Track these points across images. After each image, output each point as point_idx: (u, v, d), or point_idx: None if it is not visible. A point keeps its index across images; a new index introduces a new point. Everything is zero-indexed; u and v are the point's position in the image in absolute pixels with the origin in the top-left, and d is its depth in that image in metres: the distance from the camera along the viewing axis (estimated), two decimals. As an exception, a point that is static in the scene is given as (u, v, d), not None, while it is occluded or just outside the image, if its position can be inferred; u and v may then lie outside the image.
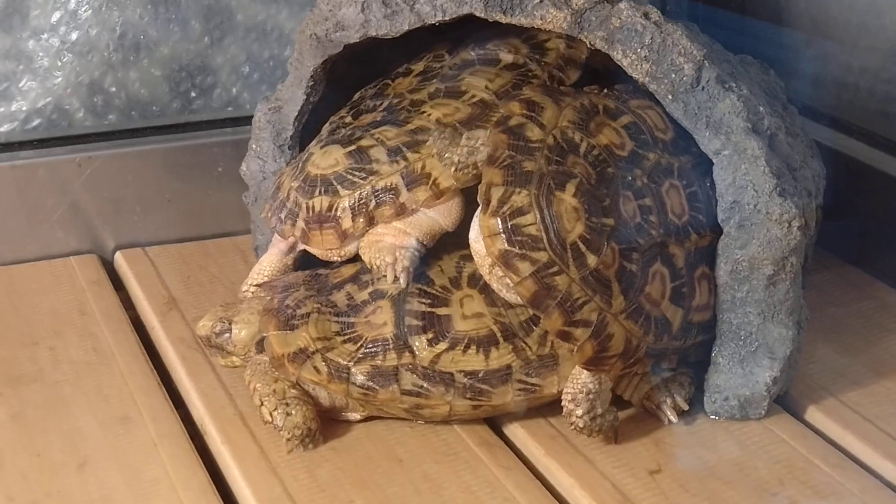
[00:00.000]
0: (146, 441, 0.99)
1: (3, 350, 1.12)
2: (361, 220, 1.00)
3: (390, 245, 0.98)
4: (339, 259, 1.03)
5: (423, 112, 1.02)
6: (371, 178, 1.00)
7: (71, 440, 0.99)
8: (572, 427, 0.97)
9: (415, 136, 1.00)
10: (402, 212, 0.99)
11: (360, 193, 1.00)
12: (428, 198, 0.98)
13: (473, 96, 1.02)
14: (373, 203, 0.99)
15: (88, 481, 0.94)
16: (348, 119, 1.06)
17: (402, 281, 0.98)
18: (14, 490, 0.93)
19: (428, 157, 0.99)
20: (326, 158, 1.02)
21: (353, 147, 1.01)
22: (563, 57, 1.07)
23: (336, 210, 1.00)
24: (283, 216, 1.04)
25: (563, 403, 0.97)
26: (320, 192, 1.01)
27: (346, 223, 1.00)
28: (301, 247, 1.06)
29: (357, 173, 1.00)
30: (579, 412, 0.96)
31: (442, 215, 0.99)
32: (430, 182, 0.98)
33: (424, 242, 0.99)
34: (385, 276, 0.98)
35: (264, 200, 1.10)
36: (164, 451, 0.98)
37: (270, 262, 1.07)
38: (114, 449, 0.98)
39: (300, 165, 1.04)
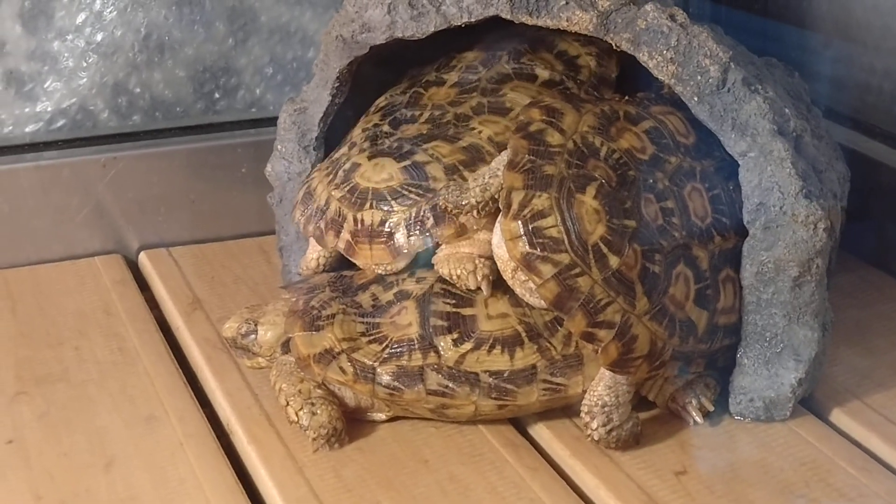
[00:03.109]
0: (172, 441, 0.99)
1: (28, 350, 1.13)
2: (416, 238, 0.99)
3: (468, 254, 0.98)
4: (383, 272, 1.01)
5: (473, 128, 1.01)
6: (429, 195, 0.99)
7: (98, 440, 1.00)
8: (588, 439, 0.97)
9: (469, 153, 1.00)
10: (462, 232, 0.98)
11: (417, 210, 0.99)
12: (488, 220, 0.97)
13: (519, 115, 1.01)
14: (430, 221, 0.98)
15: (115, 481, 0.95)
16: (386, 128, 1.05)
17: (485, 289, 0.97)
18: (42, 489, 0.94)
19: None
20: (379, 172, 1.01)
21: (408, 162, 1.00)
22: (595, 75, 1.07)
23: (389, 226, 0.99)
24: (323, 226, 1.02)
25: (581, 415, 0.97)
26: (371, 205, 1.00)
27: (401, 240, 0.99)
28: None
29: (414, 189, 0.99)
30: (594, 425, 0.96)
31: None
32: None
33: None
34: (468, 285, 0.98)
35: (290, 202, 1.11)
36: (190, 450, 0.98)
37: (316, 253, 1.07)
38: (140, 448, 0.99)
39: (343, 175, 1.03)
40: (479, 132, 1.01)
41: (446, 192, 0.97)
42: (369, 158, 1.02)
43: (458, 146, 1.00)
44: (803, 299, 0.98)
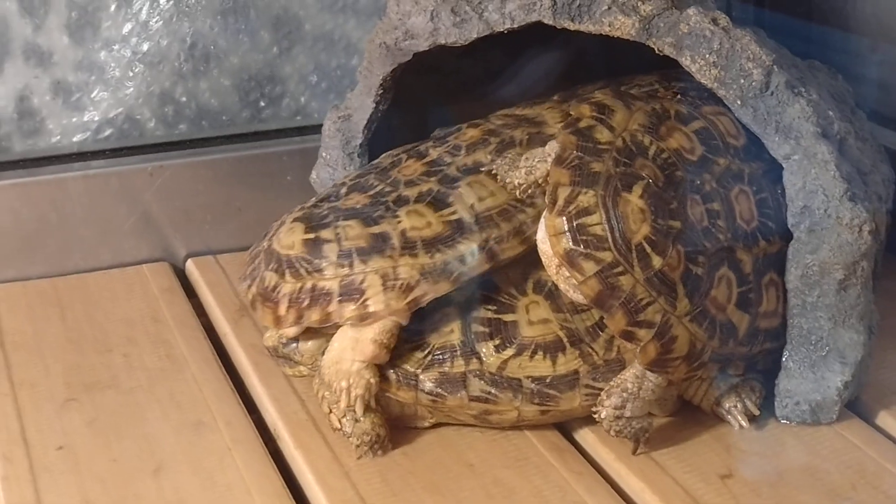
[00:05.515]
0: (220, 446, 1.00)
1: (78, 357, 1.14)
2: (293, 313, 0.99)
3: (346, 370, 0.97)
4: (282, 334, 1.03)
5: (397, 216, 0.99)
6: (315, 274, 0.98)
7: (147, 445, 1.00)
8: (595, 416, 0.96)
9: (374, 241, 0.98)
10: (326, 321, 0.98)
11: (300, 287, 0.99)
12: (353, 317, 0.97)
13: (454, 213, 0.99)
14: (306, 301, 0.98)
15: (164, 486, 0.96)
16: (344, 189, 1.04)
17: (358, 410, 0.97)
18: (92, 495, 0.95)
19: (372, 272, 0.97)
20: (288, 236, 1.01)
21: (312, 235, 0.99)
22: None
23: (278, 293, 0.99)
24: (247, 272, 1.04)
25: (601, 394, 0.97)
26: (273, 268, 1.00)
27: (282, 310, 0.99)
28: None
29: (305, 265, 0.99)
30: (607, 403, 0.95)
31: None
32: (361, 300, 0.97)
33: (383, 341, 0.97)
34: (340, 402, 0.98)
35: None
36: (238, 455, 0.99)
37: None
38: (188, 454, 0.99)
39: (276, 227, 1.04)
40: (399, 222, 0.99)
41: (500, 161, 0.99)
42: (292, 220, 1.02)
43: (368, 231, 0.98)
44: (849, 302, 0.97)
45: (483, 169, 1.02)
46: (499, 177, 0.99)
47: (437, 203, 1.00)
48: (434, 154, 1.05)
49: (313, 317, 0.98)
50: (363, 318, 0.97)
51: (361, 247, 0.98)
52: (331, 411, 0.99)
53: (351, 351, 0.97)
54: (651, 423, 0.98)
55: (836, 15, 1.37)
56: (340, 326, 0.99)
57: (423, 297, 0.97)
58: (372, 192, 1.03)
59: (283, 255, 1.00)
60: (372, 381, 0.97)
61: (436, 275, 0.97)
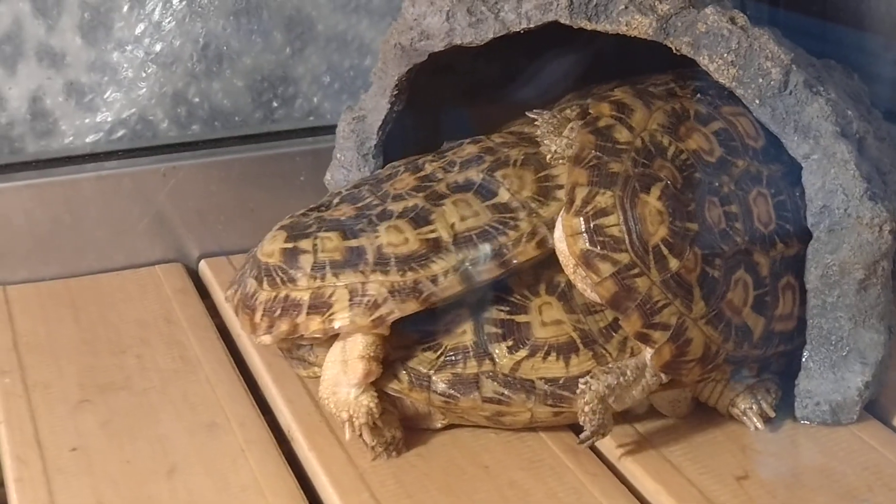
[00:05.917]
0: (234, 447, 1.00)
1: (91, 358, 1.13)
2: (265, 321, 0.98)
3: (344, 400, 0.97)
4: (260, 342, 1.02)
5: (376, 231, 0.98)
6: (289, 284, 0.98)
7: (160, 447, 1.00)
8: (583, 385, 0.94)
9: (349, 255, 0.97)
10: (294, 332, 0.97)
11: (274, 296, 0.98)
12: (318, 330, 0.96)
13: (433, 231, 0.98)
14: (278, 311, 0.98)
15: (178, 487, 0.95)
16: (336, 199, 1.04)
17: (366, 438, 0.97)
18: (106, 496, 0.95)
19: (342, 286, 0.96)
20: (270, 244, 1.00)
21: (291, 245, 0.99)
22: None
23: (255, 300, 0.99)
24: (237, 277, 1.04)
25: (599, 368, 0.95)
26: (254, 275, 1.00)
27: (257, 317, 0.99)
28: None
29: (280, 274, 0.98)
30: (602, 378, 0.93)
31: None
32: (327, 314, 0.96)
33: (371, 354, 0.97)
34: (345, 434, 0.98)
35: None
36: (252, 457, 0.99)
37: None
38: (202, 455, 0.99)
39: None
40: (377, 237, 0.98)
41: (549, 117, 0.99)
42: (278, 228, 1.02)
43: (345, 244, 0.98)
44: (869, 302, 0.97)
45: (478, 179, 1.01)
46: (539, 132, 0.99)
47: (419, 220, 0.99)
48: (429, 169, 1.04)
49: (283, 327, 0.98)
50: (327, 333, 0.97)
51: (336, 260, 0.97)
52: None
53: (344, 376, 0.97)
54: (612, 429, 0.96)
55: (850, 14, 1.37)
56: (306, 337, 0.99)
57: (388, 316, 0.96)
58: (360, 205, 1.02)
59: (262, 263, 1.00)
60: (372, 405, 0.97)
61: (404, 294, 0.96)
